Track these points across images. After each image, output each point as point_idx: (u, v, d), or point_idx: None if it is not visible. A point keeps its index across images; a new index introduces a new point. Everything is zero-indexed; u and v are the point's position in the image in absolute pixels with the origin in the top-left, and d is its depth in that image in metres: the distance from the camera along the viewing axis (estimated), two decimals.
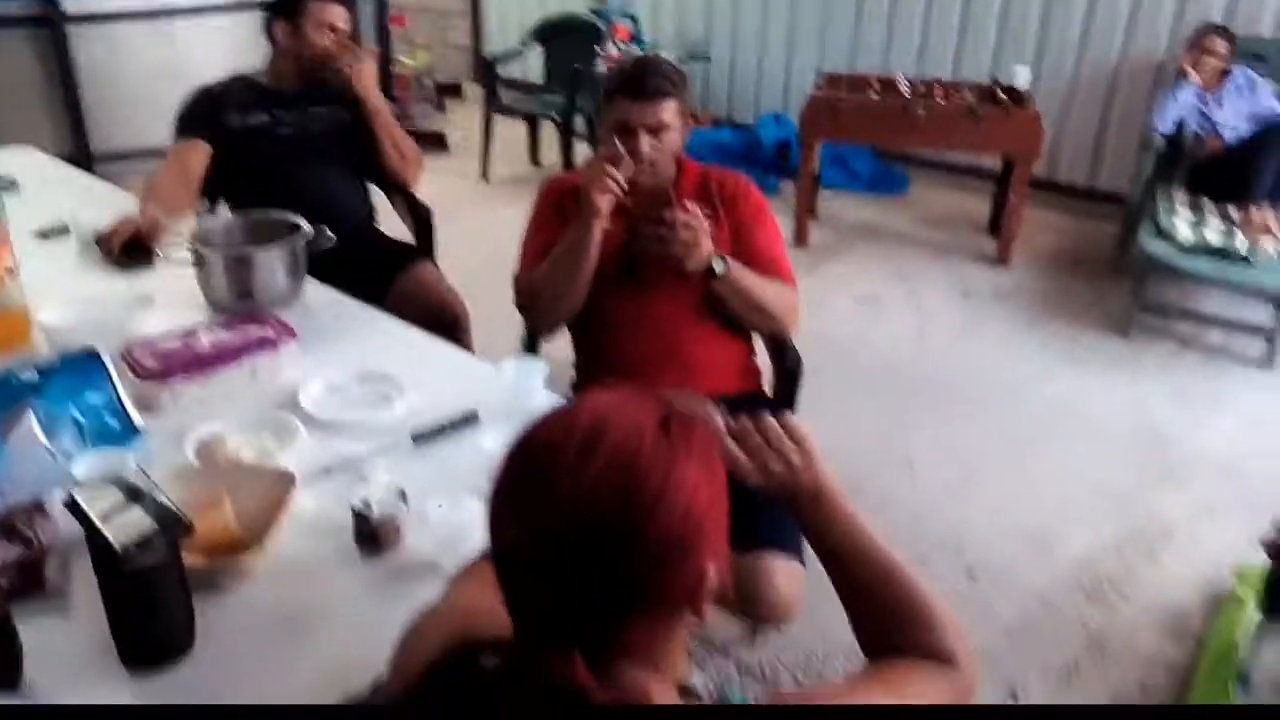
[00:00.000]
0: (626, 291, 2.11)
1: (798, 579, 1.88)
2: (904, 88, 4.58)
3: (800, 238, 4.66)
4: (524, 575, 0.80)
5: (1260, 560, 2.22)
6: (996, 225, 4.73)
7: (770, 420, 1.10)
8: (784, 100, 6.00)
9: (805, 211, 4.69)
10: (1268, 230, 3.79)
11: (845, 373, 3.55)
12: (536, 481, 0.79)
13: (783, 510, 1.10)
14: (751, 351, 2.25)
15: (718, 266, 1.98)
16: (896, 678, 0.95)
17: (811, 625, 2.38)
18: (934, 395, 3.48)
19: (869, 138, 4.96)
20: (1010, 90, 4.51)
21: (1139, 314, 3.87)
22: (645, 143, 2.02)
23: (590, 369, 2.22)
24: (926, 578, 1.05)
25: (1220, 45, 4.15)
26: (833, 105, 4.48)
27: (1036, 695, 2.26)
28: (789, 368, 2.27)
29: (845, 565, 1.05)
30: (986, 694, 2.25)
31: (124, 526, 1.10)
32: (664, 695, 0.82)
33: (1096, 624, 2.47)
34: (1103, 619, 2.49)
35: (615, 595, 0.78)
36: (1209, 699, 2.14)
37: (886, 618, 1.01)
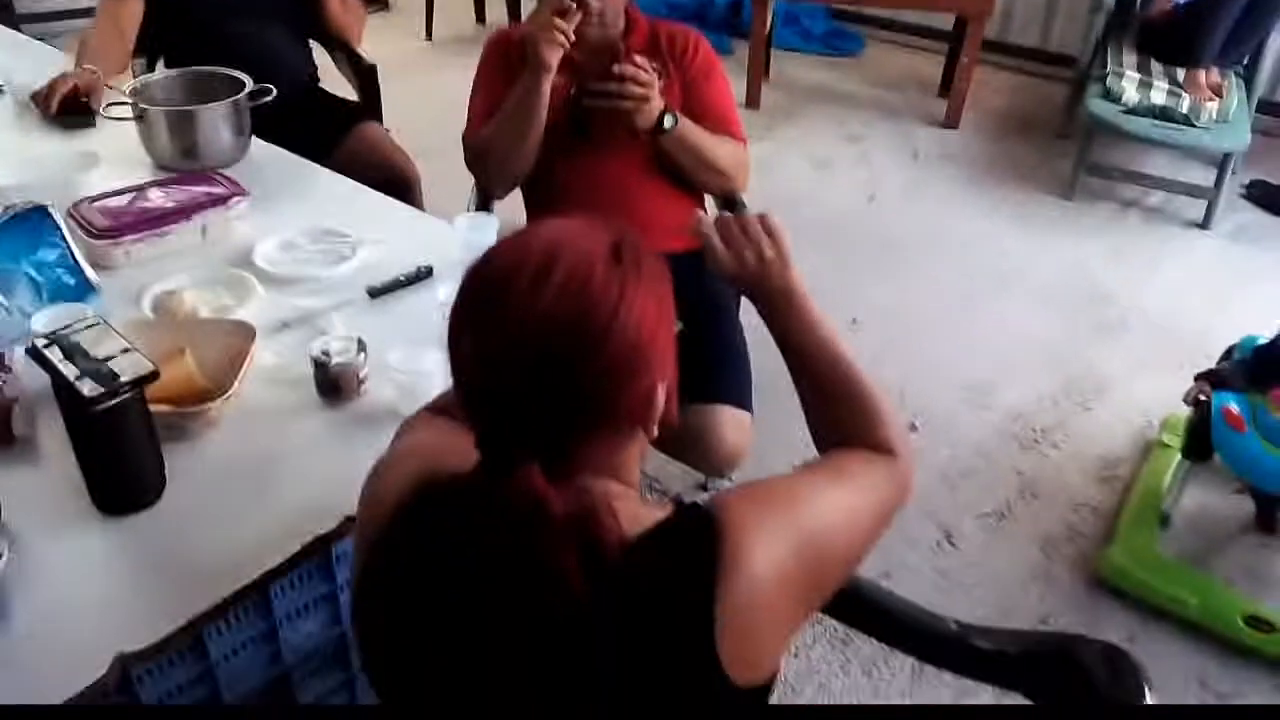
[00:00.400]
0: (577, 149, 2.11)
1: (745, 428, 1.95)
2: None
3: (753, 99, 4.62)
4: (482, 394, 0.84)
5: (1186, 412, 2.34)
6: (948, 87, 4.72)
7: (751, 216, 1.14)
8: None
9: (758, 72, 4.64)
10: (1212, 92, 3.84)
11: (796, 232, 3.48)
12: (492, 304, 0.82)
13: (754, 303, 1.15)
14: (703, 210, 2.27)
15: (667, 122, 1.98)
16: (843, 465, 1.03)
17: (759, 472, 2.49)
18: (881, 254, 3.54)
19: None
20: None
21: (1083, 176, 3.93)
22: None
23: None
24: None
25: None
26: None
27: (970, 538, 2.39)
28: None
29: (807, 362, 1.10)
30: (923, 536, 2.38)
31: (89, 371, 1.12)
32: (624, 498, 0.88)
33: (1029, 471, 2.60)
34: (1035, 466, 2.62)
35: (569, 411, 0.82)
36: (1133, 539, 2.28)
37: (840, 412, 1.08)
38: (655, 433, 0.90)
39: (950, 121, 4.54)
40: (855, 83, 5.08)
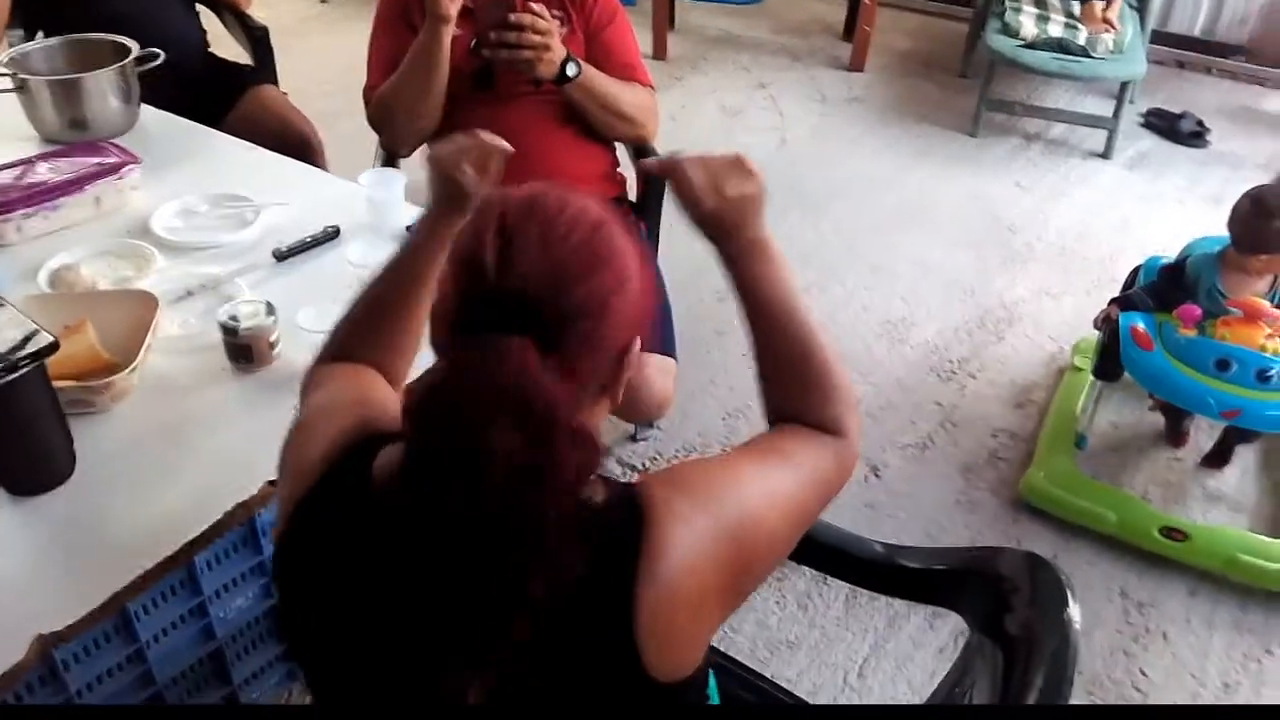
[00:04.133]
0: (482, 101, 2.07)
1: (670, 374, 1.96)
2: None
3: (659, 50, 4.59)
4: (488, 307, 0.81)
5: (1096, 335, 2.40)
6: (851, 31, 4.74)
7: (726, 154, 1.06)
8: None
9: (663, 23, 4.60)
10: (1107, 24, 3.92)
11: None
12: (515, 236, 0.82)
13: (718, 247, 1.07)
14: (615, 160, 2.25)
15: (570, 71, 1.95)
16: (784, 447, 0.98)
17: (687, 423, 2.51)
18: (794, 198, 3.56)
19: None
20: None
21: (986, 112, 3.99)
22: None
23: None
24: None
25: None
26: None
27: (895, 469, 2.44)
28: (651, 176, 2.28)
29: (771, 318, 1.02)
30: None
31: None
32: None
33: (948, 401, 2.66)
34: (954, 397, 2.68)
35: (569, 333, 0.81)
36: (1051, 461, 2.35)
37: (795, 379, 1.02)
38: (619, 400, 0.90)
39: (855, 64, 4.57)
40: (761, 30, 5.07)
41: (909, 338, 2.88)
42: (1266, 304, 2.10)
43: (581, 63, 1.99)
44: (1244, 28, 4.66)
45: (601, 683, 0.80)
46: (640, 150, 2.29)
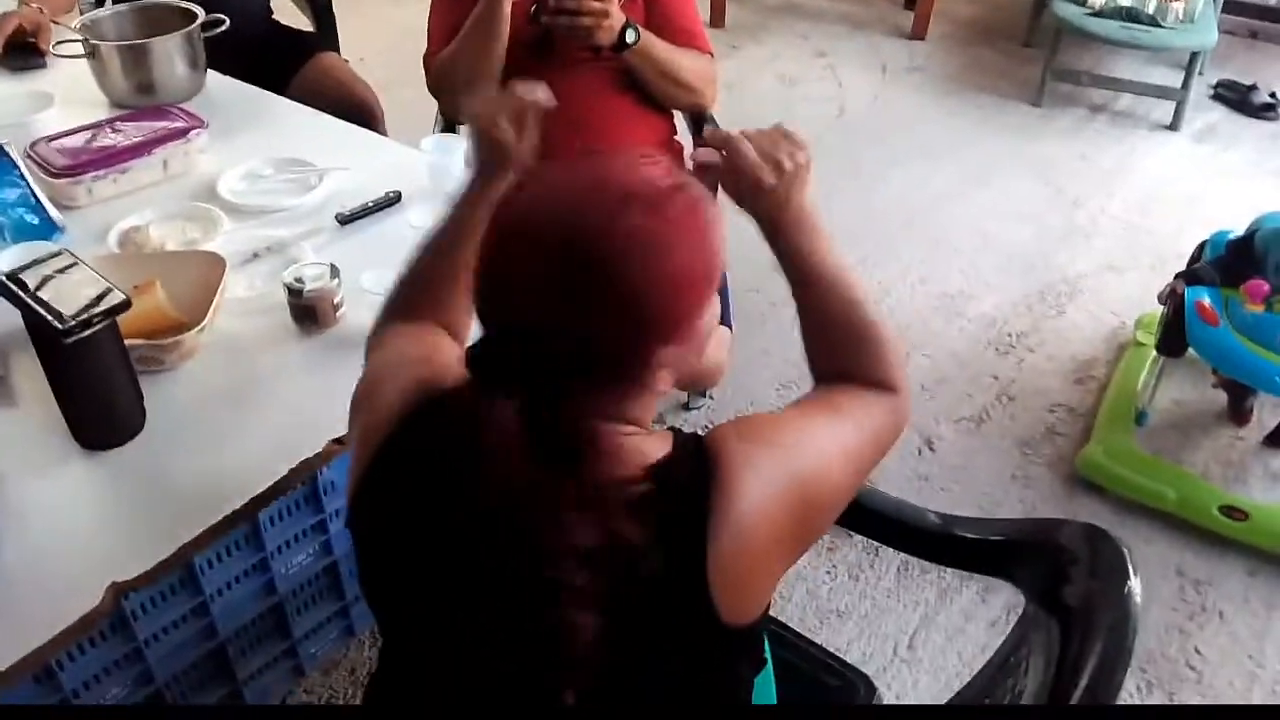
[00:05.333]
0: (540, 68, 2.04)
1: (725, 344, 1.96)
2: None
3: (718, 19, 4.55)
4: (507, 317, 0.82)
5: (1160, 310, 2.36)
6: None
7: (772, 128, 1.06)
8: None
9: None
10: None
11: None
12: (550, 227, 0.81)
13: (761, 221, 1.06)
14: (672, 128, 2.24)
15: (629, 37, 1.94)
16: (842, 402, 0.99)
17: (740, 393, 2.51)
18: (854, 169, 3.52)
19: None
20: None
21: (1051, 81, 3.91)
22: None
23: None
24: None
25: None
26: None
27: (949, 443, 2.42)
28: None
29: (819, 290, 1.03)
30: (903, 443, 2.40)
31: (61, 303, 1.11)
32: (628, 434, 0.86)
33: (1005, 375, 2.63)
34: (1011, 370, 2.65)
35: (588, 355, 0.81)
36: (1110, 436, 2.32)
37: (844, 345, 1.03)
38: (671, 386, 0.89)
39: (917, 33, 4.50)
40: None
41: (967, 311, 2.85)
42: None
43: (640, 29, 1.98)
44: None
45: (676, 627, 0.82)
46: (698, 119, 2.28)
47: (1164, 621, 2.02)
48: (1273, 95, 3.94)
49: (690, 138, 2.30)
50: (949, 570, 2.06)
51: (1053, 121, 3.84)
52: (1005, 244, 3.13)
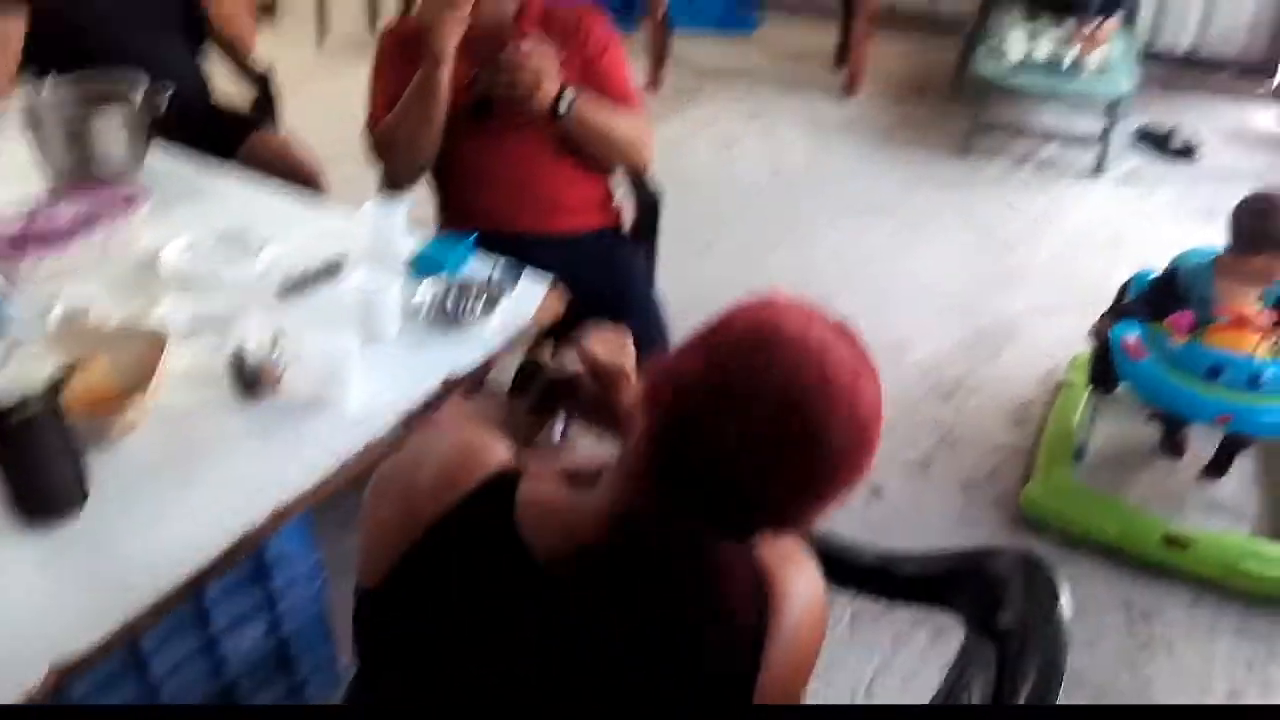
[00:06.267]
0: (480, 132, 2.11)
1: None
2: None
3: (654, 83, 4.66)
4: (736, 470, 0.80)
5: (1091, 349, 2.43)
6: (844, 58, 4.81)
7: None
8: None
9: (657, 55, 4.68)
10: (1098, 41, 3.98)
11: (707, 211, 3.63)
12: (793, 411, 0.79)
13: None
14: (611, 188, 2.30)
15: (564, 103, 1.99)
16: None
17: None
18: (791, 224, 3.60)
19: None
20: None
21: (978, 134, 4.05)
22: None
23: (451, 214, 2.23)
24: None
25: None
26: None
27: (897, 489, 2.46)
28: (648, 202, 2.32)
29: None
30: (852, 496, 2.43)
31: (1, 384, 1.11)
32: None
33: (948, 419, 2.68)
34: (953, 415, 2.70)
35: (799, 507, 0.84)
36: (1051, 474, 2.37)
37: None
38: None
39: (849, 91, 4.63)
40: (754, 59, 5.15)
41: (907, 358, 2.91)
42: (1255, 309, 2.13)
43: (576, 93, 2.03)
44: (1231, 44, 4.72)
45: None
46: (637, 178, 2.33)
47: (1115, 655, 2.06)
48: (1190, 139, 4.11)
49: (630, 194, 2.35)
50: (901, 615, 2.09)
51: (981, 171, 3.97)
52: (941, 292, 3.21)
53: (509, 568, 0.85)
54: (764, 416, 0.77)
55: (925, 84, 4.80)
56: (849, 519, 2.36)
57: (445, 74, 1.97)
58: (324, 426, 1.41)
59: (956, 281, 3.27)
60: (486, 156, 2.13)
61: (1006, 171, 3.98)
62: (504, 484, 0.89)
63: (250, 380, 1.43)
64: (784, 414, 0.77)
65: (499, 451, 0.93)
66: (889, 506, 2.41)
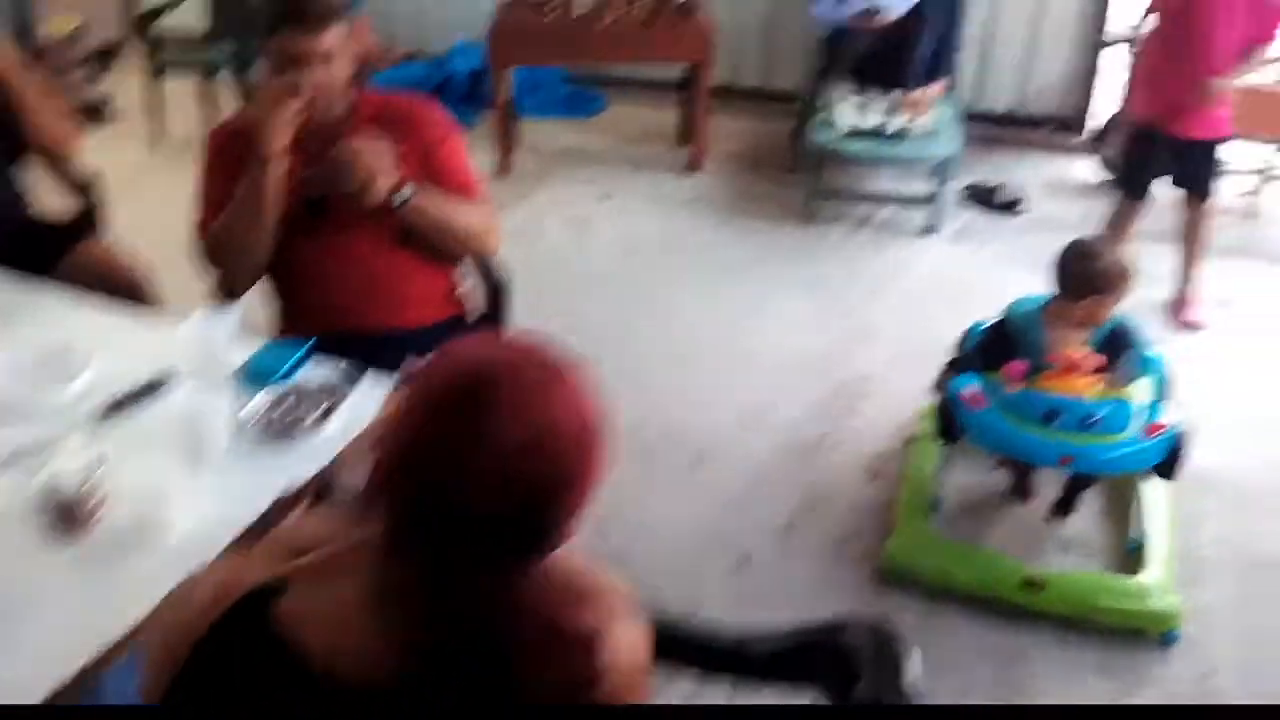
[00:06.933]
0: (316, 231, 2.07)
1: None
2: (583, 4, 4.66)
3: (504, 169, 4.67)
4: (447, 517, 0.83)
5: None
6: (686, 136, 4.93)
7: None
8: (475, 27, 5.91)
9: (505, 141, 4.69)
10: (923, 107, 4.18)
11: (563, 294, 3.64)
12: (466, 433, 0.82)
13: None
14: (456, 278, 2.28)
15: (400, 196, 1.98)
16: None
17: None
18: (647, 300, 3.64)
19: (556, 57, 5.03)
20: (681, 2, 4.68)
21: (818, 201, 4.19)
22: (314, 72, 1.97)
23: (291, 316, 2.17)
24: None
25: None
26: (516, 27, 4.52)
27: (765, 556, 2.47)
28: (496, 289, 2.31)
29: None
30: (722, 564, 2.44)
31: None
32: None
33: (809, 481, 2.72)
34: (814, 476, 2.74)
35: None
36: (909, 529, 2.42)
37: None
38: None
39: (693, 167, 4.74)
40: (602, 141, 5.23)
41: (768, 423, 2.95)
42: (1083, 353, 2.24)
43: (414, 185, 2.01)
44: (1046, 101, 5.03)
45: None
46: (484, 265, 2.31)
47: (987, 703, 2.08)
48: (1016, 193, 4.34)
49: (479, 281, 2.33)
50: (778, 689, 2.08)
51: (825, 237, 4.10)
52: (795, 355, 3.28)
53: (279, 682, 0.86)
54: (490, 459, 0.81)
55: (766, 156, 4.95)
56: (720, 590, 2.37)
57: (275, 174, 1.93)
58: (148, 558, 1.33)
59: (810, 343, 3.35)
60: (324, 255, 2.09)
61: (848, 235, 4.12)
62: (255, 602, 0.89)
63: (66, 515, 1.34)
64: (505, 451, 0.82)
65: (250, 574, 0.92)
66: (758, 574, 2.42)
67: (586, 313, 3.54)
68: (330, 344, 1.86)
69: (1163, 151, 3.35)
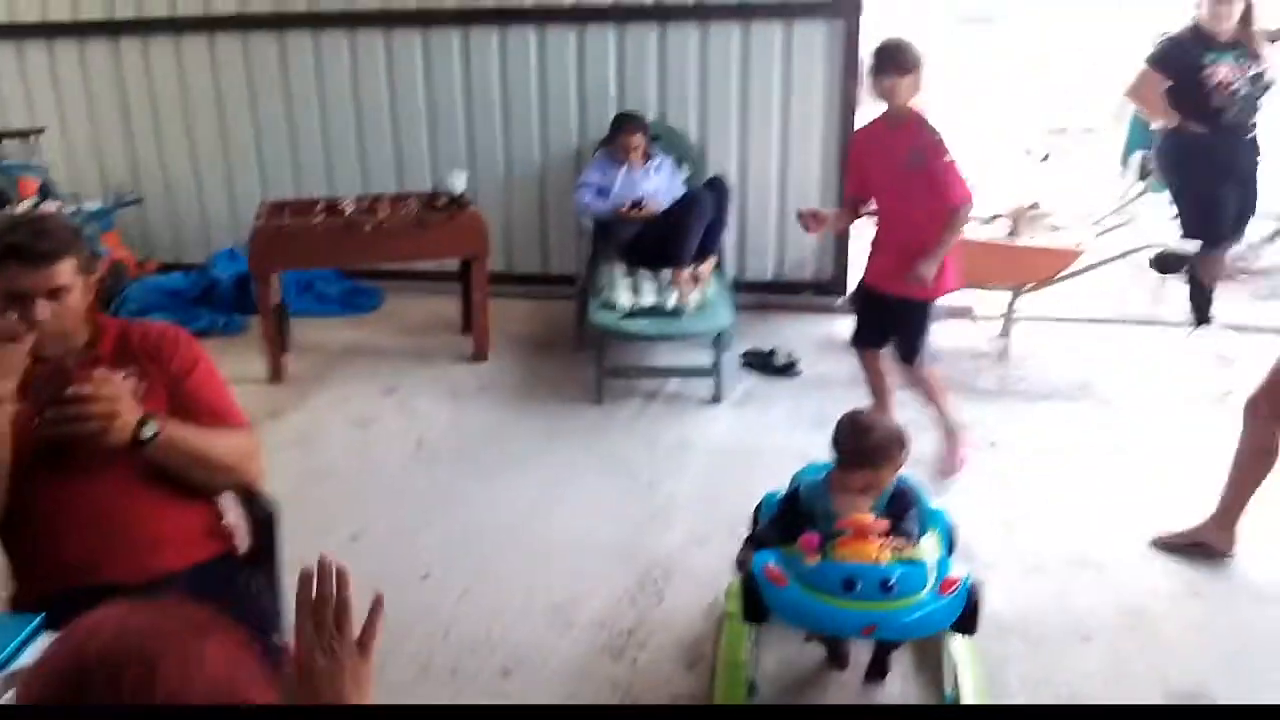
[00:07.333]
0: (55, 478, 1.88)
1: None
2: (349, 207, 4.63)
3: (276, 374, 4.47)
4: None
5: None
6: (470, 324, 4.91)
7: None
8: (235, 234, 5.78)
9: (276, 346, 4.51)
10: (695, 283, 4.34)
11: (350, 499, 3.47)
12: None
13: None
14: (218, 510, 2.11)
15: (147, 431, 1.82)
16: None
17: None
18: (441, 496, 3.51)
19: (324, 261, 4.95)
20: (451, 196, 4.73)
21: (605, 380, 4.22)
22: (43, 309, 1.85)
23: (27, 579, 1.93)
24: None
25: (637, 135, 4.69)
26: (279, 233, 4.41)
27: None
28: (261, 520, 2.12)
29: None
30: None
31: None
32: None
33: (624, 678, 2.60)
34: (629, 672, 2.63)
35: None
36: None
37: None
38: None
39: (479, 355, 4.71)
40: (382, 336, 5.14)
41: (576, 618, 2.83)
42: (870, 518, 2.27)
43: (162, 420, 1.87)
44: (805, 268, 5.35)
45: None
46: (249, 495, 2.15)
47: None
48: (790, 355, 4.52)
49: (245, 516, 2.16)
50: None
51: (614, 414, 4.11)
52: (598, 541, 3.21)
53: None
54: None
55: (551, 338, 4.99)
56: None
57: (3, 420, 1.76)
58: None
59: (611, 528, 3.28)
60: (65, 504, 1.90)
61: (638, 411, 4.15)
62: None
63: None
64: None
65: None
66: None
67: (375, 519, 3.37)
68: (77, 603, 1.64)
69: (879, 311, 3.50)
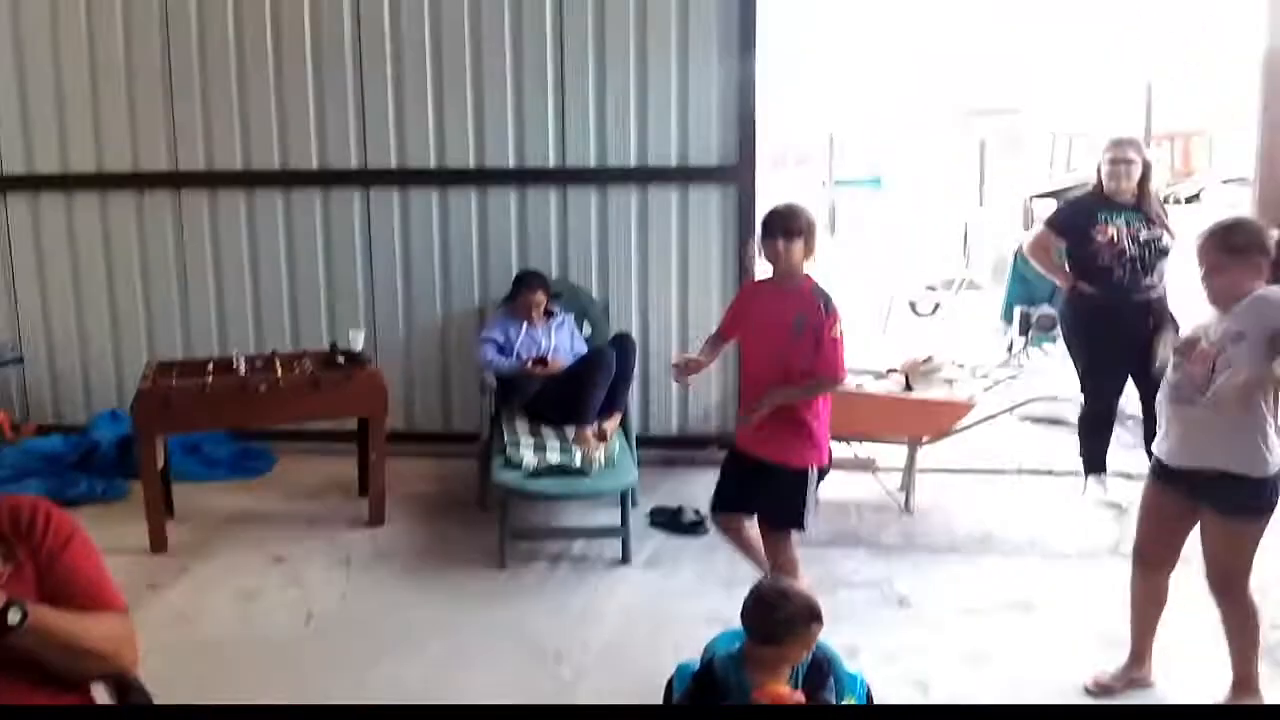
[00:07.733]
0: None
1: None
2: (241, 366, 4.50)
3: (158, 543, 4.21)
4: None
5: None
6: (366, 486, 4.74)
7: None
8: (119, 396, 5.56)
9: (158, 513, 4.26)
10: (600, 440, 4.29)
11: (232, 680, 3.22)
12: None
13: None
14: (90, 698, 1.92)
15: (13, 618, 1.67)
16: None
17: None
18: (333, 674, 3.29)
19: (214, 423, 4.75)
20: (349, 354, 4.64)
21: (509, 541, 4.09)
22: None
23: None
24: None
25: (539, 292, 4.71)
26: (165, 395, 4.23)
27: None
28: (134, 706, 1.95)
29: None
30: None
31: None
32: None
33: None
34: None
35: None
36: None
37: None
38: None
39: (375, 519, 4.53)
40: (273, 500, 4.92)
41: None
42: (786, 690, 2.20)
43: (28, 605, 1.71)
44: (708, 423, 5.37)
45: None
46: (122, 685, 1.97)
47: None
48: (697, 512, 4.46)
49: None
50: None
51: (519, 579, 3.97)
52: None
53: None
54: None
55: (452, 499, 4.85)
56: None
57: None
58: None
59: (517, 696, 3.11)
60: None
61: (543, 575, 4.01)
62: None
63: None
64: None
65: None
66: None
67: (259, 699, 3.10)
68: None
69: (746, 474, 3.30)
